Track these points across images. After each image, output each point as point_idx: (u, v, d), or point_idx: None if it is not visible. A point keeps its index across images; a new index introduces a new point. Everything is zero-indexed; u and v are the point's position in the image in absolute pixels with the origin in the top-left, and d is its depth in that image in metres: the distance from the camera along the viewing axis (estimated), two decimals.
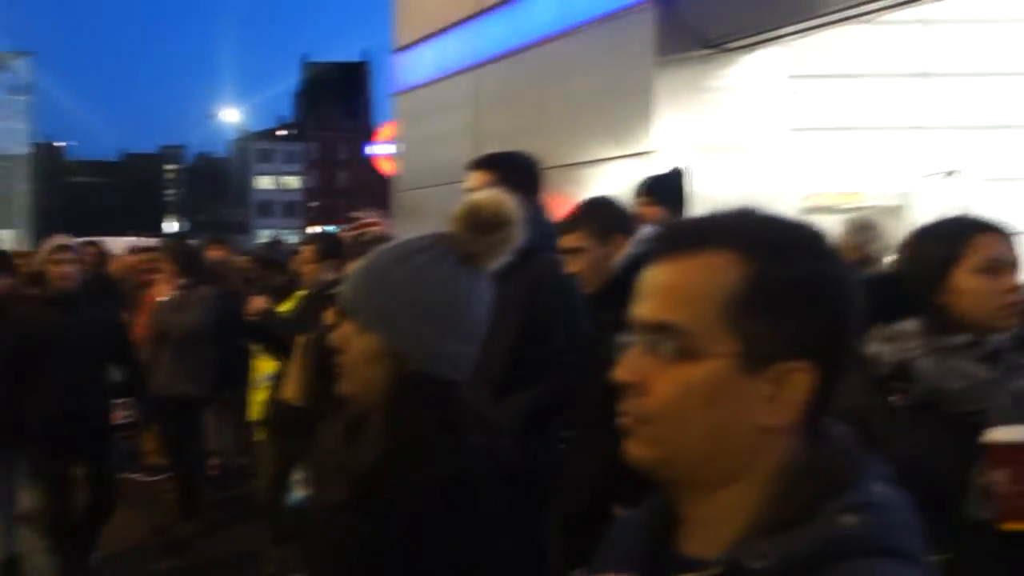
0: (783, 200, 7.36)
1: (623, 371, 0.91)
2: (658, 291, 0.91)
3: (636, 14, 7.32)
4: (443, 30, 10.30)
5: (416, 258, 1.56)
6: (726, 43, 7.07)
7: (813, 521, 0.84)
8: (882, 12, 6.64)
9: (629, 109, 7.41)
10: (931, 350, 1.85)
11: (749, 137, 7.27)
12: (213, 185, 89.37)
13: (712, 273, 0.89)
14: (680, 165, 4.42)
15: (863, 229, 5.20)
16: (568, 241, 2.98)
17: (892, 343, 1.88)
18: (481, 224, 1.57)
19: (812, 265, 0.90)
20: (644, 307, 0.92)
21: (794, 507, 0.86)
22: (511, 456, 1.56)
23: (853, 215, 5.84)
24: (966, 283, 1.85)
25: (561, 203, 3.67)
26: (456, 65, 10.02)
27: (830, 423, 0.93)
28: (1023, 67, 9.79)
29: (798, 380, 0.88)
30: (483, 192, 1.64)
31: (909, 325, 1.90)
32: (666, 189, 4.22)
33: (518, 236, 1.60)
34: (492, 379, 2.48)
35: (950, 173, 9.61)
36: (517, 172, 3.10)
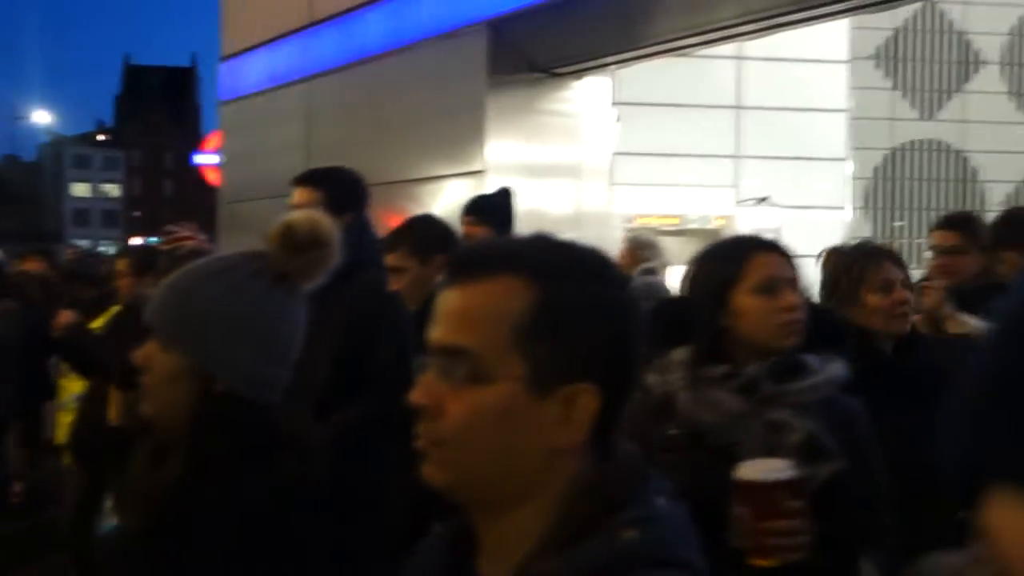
0: (608, 222, 7.65)
1: (418, 394, 0.93)
2: (450, 315, 0.93)
3: (469, 35, 7.42)
4: (274, 39, 10.07)
5: (226, 275, 1.52)
6: (554, 68, 7.28)
7: (596, 537, 0.87)
8: (698, 47, 7.04)
9: (461, 128, 7.49)
10: (690, 382, 1.81)
11: (576, 160, 7.50)
12: (21, 191, 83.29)
13: (501, 298, 0.91)
14: (508, 185, 4.49)
15: (642, 247, 5.37)
16: (390, 260, 2.98)
17: (661, 374, 1.84)
18: (295, 244, 1.54)
19: (597, 290, 0.93)
20: (437, 331, 0.93)
21: (579, 524, 0.89)
22: (326, 480, 1.54)
23: (632, 233, 6.06)
24: (745, 304, 1.82)
25: (393, 219, 3.66)
26: (287, 76, 9.81)
27: (618, 442, 0.96)
28: (826, 103, 10.63)
29: (584, 402, 0.91)
30: (299, 212, 1.62)
31: (677, 355, 1.86)
32: (493, 209, 4.27)
33: (335, 257, 1.58)
34: (311, 400, 2.44)
35: (762, 200, 10.27)
36: (342, 188, 3.07)
